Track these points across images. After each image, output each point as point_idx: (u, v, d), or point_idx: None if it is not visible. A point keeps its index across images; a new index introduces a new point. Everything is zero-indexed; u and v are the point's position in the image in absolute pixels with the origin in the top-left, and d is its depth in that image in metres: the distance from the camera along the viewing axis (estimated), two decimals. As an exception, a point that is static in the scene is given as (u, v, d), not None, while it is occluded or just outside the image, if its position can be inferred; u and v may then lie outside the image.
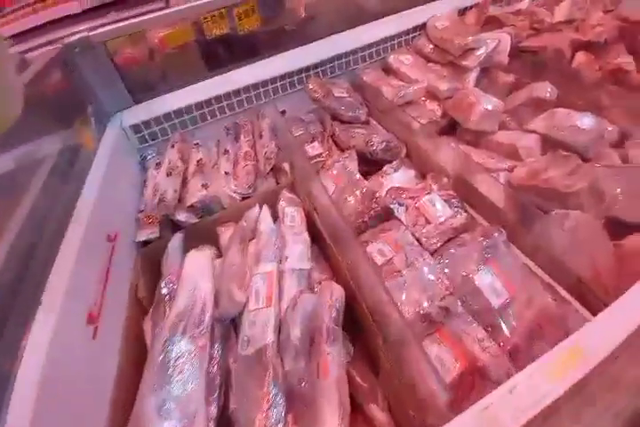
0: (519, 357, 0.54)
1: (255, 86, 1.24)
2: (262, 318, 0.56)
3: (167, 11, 1.08)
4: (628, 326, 0.37)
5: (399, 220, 0.71)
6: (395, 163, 0.95)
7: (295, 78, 1.29)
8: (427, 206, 0.71)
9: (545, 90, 1.02)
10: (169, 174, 0.96)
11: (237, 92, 1.22)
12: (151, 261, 0.79)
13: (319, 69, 1.34)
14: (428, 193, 0.74)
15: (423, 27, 1.38)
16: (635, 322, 0.38)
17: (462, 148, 0.99)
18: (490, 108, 0.99)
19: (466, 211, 0.73)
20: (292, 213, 0.80)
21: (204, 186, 0.94)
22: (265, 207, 0.82)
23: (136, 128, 1.12)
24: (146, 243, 0.85)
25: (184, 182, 0.98)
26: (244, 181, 0.95)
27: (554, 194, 0.69)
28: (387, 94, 1.16)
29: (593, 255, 0.60)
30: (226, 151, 1.08)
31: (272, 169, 1.03)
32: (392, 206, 0.74)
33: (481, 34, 1.24)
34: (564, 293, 0.60)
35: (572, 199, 0.67)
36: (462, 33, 1.21)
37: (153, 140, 1.17)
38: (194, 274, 0.65)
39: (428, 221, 0.69)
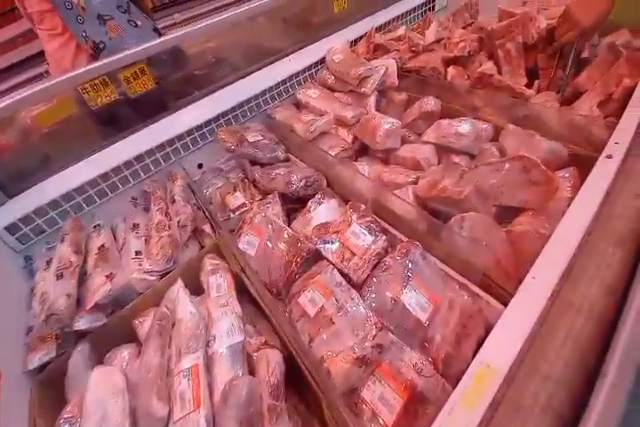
0: (453, 363, 0.58)
1: (160, 147, 1.22)
2: (190, 424, 0.51)
3: (36, 88, 0.96)
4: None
5: (327, 259, 0.74)
6: (317, 197, 0.99)
7: (205, 130, 1.31)
8: (350, 239, 0.75)
9: (430, 103, 1.13)
10: (59, 277, 0.82)
11: (140, 158, 1.18)
12: (54, 388, 0.68)
13: (230, 116, 1.38)
14: (350, 224, 0.78)
15: (324, 60, 1.48)
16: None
17: (375, 168, 1.06)
18: (390, 127, 1.07)
19: (385, 233, 0.77)
20: (218, 282, 0.79)
21: (109, 277, 0.84)
22: (180, 289, 0.77)
23: (13, 228, 0.97)
24: (45, 366, 0.72)
25: (83, 279, 0.86)
26: (160, 257, 0.89)
27: (450, 201, 0.77)
28: (299, 131, 1.22)
29: (492, 247, 0.67)
30: (135, 226, 1.02)
31: (194, 233, 1.01)
32: (319, 247, 0.76)
33: (371, 62, 1.36)
34: (476, 289, 0.65)
35: (465, 203, 0.74)
36: (355, 64, 1.32)
37: (40, 233, 1.03)
38: (100, 399, 0.55)
39: (353, 253, 0.72)
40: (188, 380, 0.57)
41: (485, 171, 0.79)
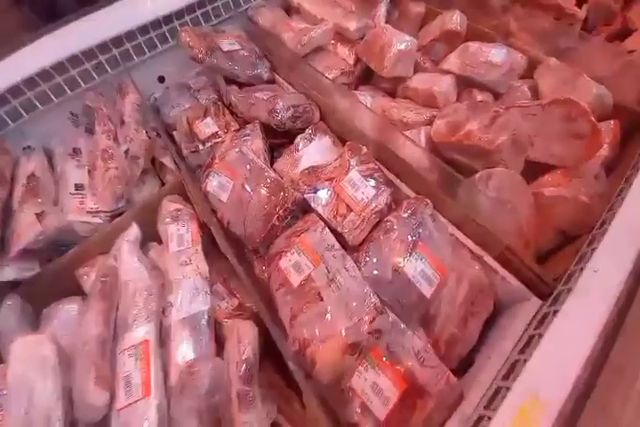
0: (457, 345, 0.51)
1: (103, 47, 0.92)
2: (137, 414, 0.42)
3: None
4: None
5: (316, 212, 0.61)
6: (307, 132, 0.81)
7: (165, 29, 1.01)
8: (346, 189, 0.61)
9: (455, 21, 0.89)
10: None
11: (75, 59, 0.89)
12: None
13: (198, 13, 1.06)
14: (347, 170, 0.63)
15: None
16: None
17: (379, 101, 0.87)
18: (404, 47, 0.85)
19: (389, 184, 0.64)
20: (180, 232, 0.64)
21: (40, 216, 0.66)
22: (124, 243, 0.61)
23: None
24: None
25: (7, 217, 0.69)
26: (108, 193, 0.72)
27: (476, 151, 0.63)
28: (288, 43, 0.96)
29: (517, 212, 0.57)
30: (75, 152, 0.83)
31: (153, 166, 0.82)
32: (307, 196, 0.62)
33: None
34: (491, 261, 0.56)
35: (494, 155, 0.60)
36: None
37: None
38: (26, 377, 0.43)
39: (349, 208, 0.59)
40: (136, 360, 0.47)
41: (517, 115, 0.64)
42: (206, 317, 0.54)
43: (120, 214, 0.75)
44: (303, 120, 0.84)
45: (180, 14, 1.02)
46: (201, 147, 0.85)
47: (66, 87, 0.93)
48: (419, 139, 0.72)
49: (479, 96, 0.79)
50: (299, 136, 0.81)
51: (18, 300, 0.61)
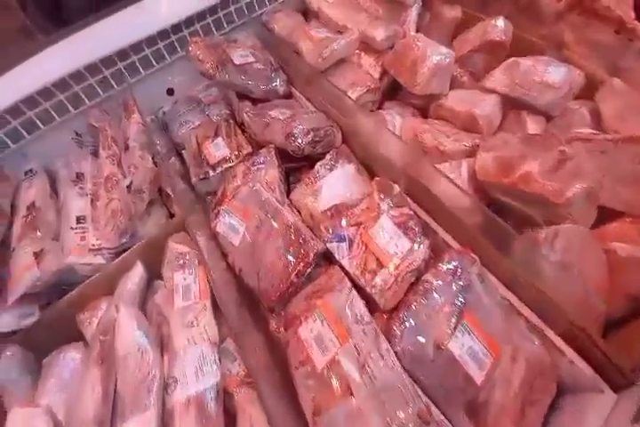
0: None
1: (108, 61, 0.85)
2: None
3: None
4: None
5: (340, 265, 0.52)
6: (328, 158, 0.72)
7: (174, 39, 0.93)
8: (376, 239, 0.52)
9: (499, 29, 0.78)
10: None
11: (79, 76, 0.82)
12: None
13: (210, 20, 0.98)
14: (377, 216, 0.54)
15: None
16: None
17: (409, 122, 0.77)
18: (439, 61, 0.75)
19: (427, 234, 0.54)
20: (187, 282, 0.57)
21: (38, 255, 0.62)
22: (123, 310, 0.54)
23: None
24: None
25: (5, 254, 0.65)
26: (111, 229, 0.66)
27: (537, 199, 0.52)
28: (307, 54, 0.87)
29: (586, 276, 0.47)
30: (79, 177, 0.77)
31: (160, 194, 0.75)
32: (330, 246, 0.54)
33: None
34: (553, 337, 0.46)
35: (563, 208, 0.50)
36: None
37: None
38: None
39: (380, 263, 0.50)
40: None
41: (582, 151, 0.54)
42: (214, 393, 0.47)
43: (125, 250, 0.69)
44: (324, 145, 0.75)
45: (189, 22, 0.94)
46: (211, 173, 0.77)
47: (69, 105, 0.87)
48: (459, 173, 0.62)
49: (530, 121, 0.68)
50: (318, 163, 0.72)
51: (18, 349, 0.58)
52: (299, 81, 0.90)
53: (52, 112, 0.85)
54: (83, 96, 0.87)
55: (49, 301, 0.68)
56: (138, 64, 0.91)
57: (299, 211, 0.71)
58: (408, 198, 0.59)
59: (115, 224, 0.68)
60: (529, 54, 0.76)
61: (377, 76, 0.87)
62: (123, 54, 0.87)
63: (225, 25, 1.02)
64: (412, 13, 0.91)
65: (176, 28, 0.93)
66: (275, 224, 0.56)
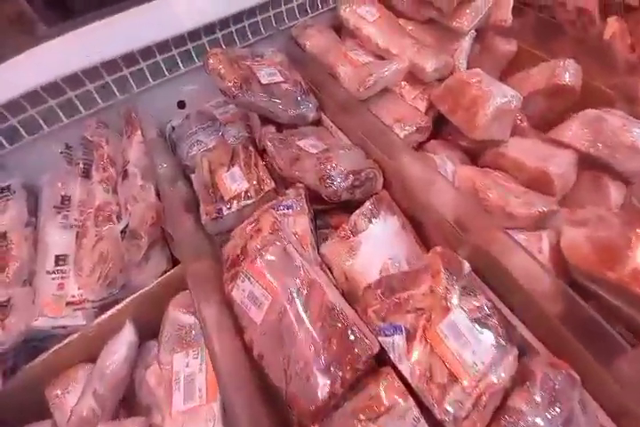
0: None
1: (110, 65, 0.72)
2: None
3: None
4: None
5: (396, 369, 0.40)
6: (367, 207, 0.60)
7: (190, 47, 0.81)
8: (446, 341, 0.40)
9: (570, 72, 0.69)
10: None
11: (74, 79, 0.70)
12: None
13: (233, 28, 0.86)
14: (447, 306, 0.42)
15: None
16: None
17: (465, 173, 0.66)
18: (504, 104, 0.64)
19: (513, 338, 0.42)
20: (189, 370, 0.45)
21: (3, 309, 0.49)
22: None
23: None
24: None
25: None
26: (97, 277, 0.54)
27: None
28: (346, 81, 0.75)
29: None
30: (64, 202, 0.64)
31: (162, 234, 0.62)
32: (382, 340, 0.41)
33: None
34: None
35: None
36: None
37: None
38: None
39: (452, 375, 0.38)
40: None
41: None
42: None
43: (112, 302, 0.56)
44: (364, 191, 0.64)
45: (210, 29, 0.82)
46: (225, 211, 0.64)
47: (60, 113, 0.72)
48: (538, 248, 0.51)
49: (613, 188, 0.58)
50: (356, 213, 0.60)
51: None
52: (332, 108, 0.78)
53: (40, 120, 0.71)
54: (77, 103, 0.73)
55: (15, 364, 0.54)
56: (146, 71, 0.78)
57: (329, 268, 0.59)
58: (484, 285, 0.48)
59: (102, 272, 0.54)
60: (596, 104, 0.66)
61: (422, 109, 0.76)
62: (130, 59, 0.74)
63: (249, 35, 0.90)
64: (465, 44, 0.81)
65: (194, 34, 0.80)
66: (311, 304, 0.43)
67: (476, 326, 0.41)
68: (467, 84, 0.68)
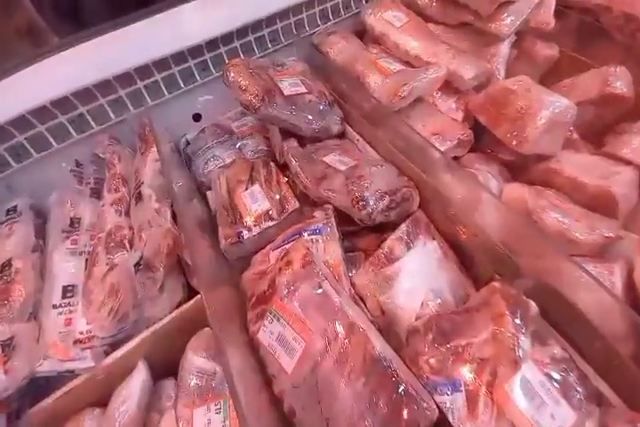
0: None
1: (124, 78, 0.68)
2: None
3: None
4: None
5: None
6: (403, 230, 0.54)
7: (208, 57, 0.76)
8: (519, 401, 0.33)
9: (622, 81, 0.62)
10: None
11: (85, 94, 0.66)
12: None
13: (252, 37, 0.81)
14: (515, 359, 0.35)
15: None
16: None
17: (515, 191, 0.59)
18: (557, 115, 0.57)
19: (591, 397, 0.35)
20: (211, 424, 0.38)
21: (5, 349, 0.44)
22: None
23: None
24: None
25: None
26: (107, 313, 0.48)
27: None
28: (377, 91, 0.69)
29: None
30: (73, 225, 0.60)
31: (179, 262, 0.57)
32: (439, 399, 0.35)
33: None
34: None
35: None
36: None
37: None
38: None
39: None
40: None
41: None
42: None
43: (123, 339, 0.50)
44: (399, 212, 0.57)
45: (227, 38, 0.77)
46: (246, 234, 0.59)
47: (71, 128, 0.68)
48: (610, 281, 0.44)
49: None
50: (392, 237, 0.54)
51: None
52: (358, 120, 0.72)
53: (49, 137, 0.67)
54: (89, 118, 0.69)
55: (20, 406, 0.50)
56: (161, 84, 0.73)
57: (362, 299, 0.53)
58: (552, 329, 0.41)
59: (113, 307, 0.48)
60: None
61: (459, 119, 0.70)
62: (144, 71, 0.70)
63: (269, 44, 0.85)
64: (504, 49, 0.74)
65: (212, 44, 0.76)
66: (352, 352, 0.37)
67: (553, 383, 0.34)
68: (512, 92, 0.61)
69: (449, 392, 0.35)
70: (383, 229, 0.60)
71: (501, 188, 0.60)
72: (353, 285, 0.53)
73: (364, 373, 0.36)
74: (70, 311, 0.51)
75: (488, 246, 0.51)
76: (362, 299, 0.52)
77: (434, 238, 0.55)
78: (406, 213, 0.58)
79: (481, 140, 0.73)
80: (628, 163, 0.55)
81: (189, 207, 0.64)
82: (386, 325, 0.50)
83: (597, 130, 0.69)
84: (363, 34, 0.89)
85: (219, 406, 0.41)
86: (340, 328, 0.38)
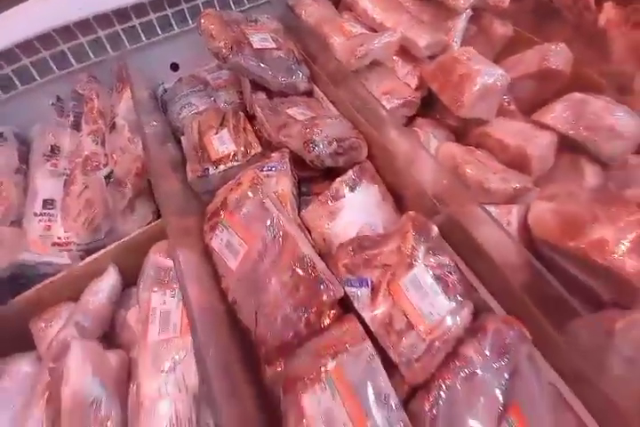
0: None
1: (105, 20, 0.72)
2: None
3: None
4: None
5: (359, 316, 0.43)
6: (349, 175, 0.62)
7: (185, 7, 0.80)
8: (407, 293, 0.42)
9: (560, 57, 0.70)
10: None
11: (66, 32, 0.70)
12: None
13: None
14: (411, 262, 0.44)
15: None
16: None
17: (449, 149, 0.67)
18: (492, 82, 0.66)
19: (470, 294, 0.45)
20: (166, 307, 0.47)
21: None
22: (76, 346, 0.42)
23: None
24: None
25: None
26: (82, 222, 0.56)
27: (614, 276, 0.44)
28: (338, 51, 0.75)
29: None
30: (53, 151, 0.66)
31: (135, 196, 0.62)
32: (348, 290, 0.44)
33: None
34: None
35: None
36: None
37: None
38: None
39: (410, 324, 0.41)
40: None
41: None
42: None
43: (98, 248, 0.57)
44: (347, 159, 0.65)
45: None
46: (211, 170, 0.65)
47: (53, 64, 0.73)
48: (507, 221, 0.54)
49: (588, 171, 0.60)
50: (338, 179, 0.62)
51: None
52: (323, 79, 0.78)
53: (33, 70, 0.71)
54: (70, 56, 0.73)
55: (1, 298, 0.56)
56: (139, 29, 0.77)
57: (309, 231, 0.61)
58: (448, 246, 0.50)
59: (88, 217, 0.56)
60: (586, 90, 0.68)
61: (413, 85, 0.77)
62: (122, 15, 0.73)
63: (245, 1, 0.89)
64: (460, 24, 0.81)
65: (189, -5, 0.79)
66: (283, 253, 0.45)
67: (437, 281, 0.43)
68: (457, 61, 0.69)
69: (358, 286, 0.44)
70: (336, 177, 0.68)
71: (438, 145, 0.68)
72: (302, 218, 0.61)
73: (290, 268, 0.44)
74: (50, 220, 0.58)
75: (420, 195, 0.59)
76: (309, 230, 0.61)
77: (376, 184, 0.63)
78: (354, 162, 0.65)
79: (433, 107, 0.81)
80: (547, 128, 0.64)
81: (163, 148, 0.70)
82: (326, 252, 0.58)
83: (537, 104, 0.77)
84: (339, 2, 0.94)
85: (174, 293, 0.49)
86: (275, 235, 0.46)
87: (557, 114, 0.64)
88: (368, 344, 0.39)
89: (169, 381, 0.41)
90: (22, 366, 0.50)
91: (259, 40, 0.75)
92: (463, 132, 0.75)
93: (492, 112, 0.69)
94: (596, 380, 0.39)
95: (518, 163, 0.64)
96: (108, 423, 0.37)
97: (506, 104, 0.73)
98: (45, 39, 0.68)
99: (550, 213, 0.49)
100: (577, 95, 0.64)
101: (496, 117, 0.70)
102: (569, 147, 0.64)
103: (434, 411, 0.36)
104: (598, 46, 0.73)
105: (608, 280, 0.46)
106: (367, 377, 0.37)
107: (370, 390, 0.36)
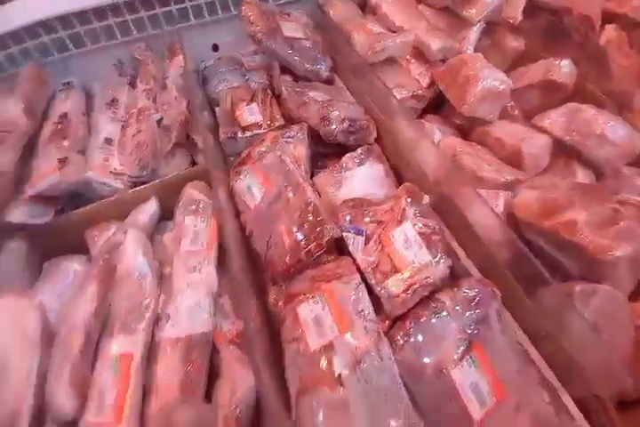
0: None
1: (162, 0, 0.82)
2: None
3: None
4: None
5: (352, 258, 0.49)
6: (359, 152, 0.69)
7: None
8: (395, 243, 0.48)
9: (564, 71, 0.77)
10: (-2, 142, 0.60)
11: (133, 6, 0.81)
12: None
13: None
14: (401, 220, 0.50)
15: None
16: None
17: (450, 141, 0.74)
18: (494, 86, 0.73)
19: (450, 255, 0.51)
20: (196, 228, 0.55)
21: (62, 162, 0.61)
22: (133, 233, 0.53)
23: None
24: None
25: (30, 153, 0.66)
26: (135, 159, 0.65)
27: (578, 251, 0.49)
28: (358, 45, 0.83)
29: (613, 346, 0.44)
30: (114, 102, 0.75)
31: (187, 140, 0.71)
32: (345, 235, 0.50)
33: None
34: (568, 401, 0.43)
35: (605, 267, 0.48)
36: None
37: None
38: (7, 343, 0.41)
39: (395, 267, 0.47)
40: (115, 374, 0.42)
41: (637, 214, 0.52)
42: (204, 339, 0.46)
43: (142, 183, 0.68)
44: (357, 138, 0.72)
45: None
46: (240, 134, 0.73)
47: (117, 32, 0.84)
48: (495, 204, 0.59)
49: (580, 173, 0.66)
50: (347, 155, 0.69)
51: (24, 244, 0.59)
52: (344, 71, 0.86)
53: (101, 34, 0.83)
54: (132, 26, 0.84)
55: (63, 209, 0.67)
56: (190, 11, 0.87)
57: (318, 193, 0.67)
58: (435, 214, 0.56)
59: (138, 155, 0.66)
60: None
61: (424, 84, 0.84)
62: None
63: (281, -3, 0.98)
64: (473, 34, 0.89)
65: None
66: (294, 198, 0.52)
67: (421, 237, 0.49)
68: (464, 64, 0.76)
69: (354, 232, 0.50)
70: (347, 154, 0.74)
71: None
72: (314, 183, 0.67)
73: (299, 209, 0.51)
74: (109, 153, 0.68)
75: (420, 176, 0.66)
76: (319, 193, 0.67)
77: (381, 162, 0.70)
78: (364, 142, 0.72)
79: (442, 108, 0.88)
80: (544, 131, 0.70)
81: (202, 115, 0.78)
82: (332, 212, 0.64)
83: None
84: (363, 5, 1.03)
85: (204, 219, 0.57)
86: (289, 183, 0.53)
87: (554, 119, 0.71)
88: (357, 276, 0.46)
89: (195, 278, 0.50)
90: (75, 264, 0.58)
91: (290, 29, 0.83)
92: (467, 130, 0.82)
93: (494, 113, 0.76)
94: (561, 341, 0.43)
95: (513, 159, 0.70)
96: (147, 294, 0.46)
97: (510, 110, 0.80)
98: (114, 9, 0.79)
99: (534, 198, 0.56)
100: (572, 104, 0.71)
101: (499, 120, 0.77)
102: (564, 152, 0.70)
103: (405, 338, 0.42)
104: (601, 65, 0.80)
105: (576, 256, 0.51)
106: (353, 296, 0.43)
107: (353, 306, 0.42)
